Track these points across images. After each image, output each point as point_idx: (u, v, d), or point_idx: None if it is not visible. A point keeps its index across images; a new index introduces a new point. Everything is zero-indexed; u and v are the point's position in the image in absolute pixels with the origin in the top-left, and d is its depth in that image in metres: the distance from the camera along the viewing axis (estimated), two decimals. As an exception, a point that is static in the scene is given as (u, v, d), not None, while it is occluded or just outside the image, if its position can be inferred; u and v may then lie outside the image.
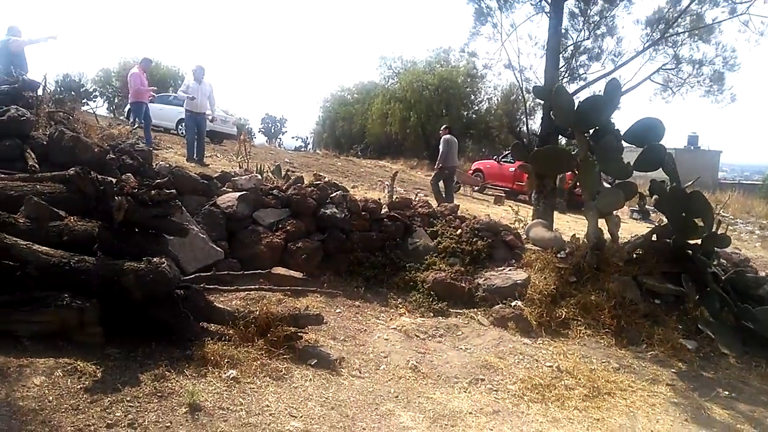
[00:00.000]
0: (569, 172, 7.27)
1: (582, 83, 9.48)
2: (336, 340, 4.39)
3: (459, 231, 6.38)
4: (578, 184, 6.40)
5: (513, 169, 16.77)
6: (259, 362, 3.56)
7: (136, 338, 3.48)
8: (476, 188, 18.33)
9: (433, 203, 8.22)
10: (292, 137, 35.43)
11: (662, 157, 5.68)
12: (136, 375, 3.10)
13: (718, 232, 5.76)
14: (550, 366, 4.36)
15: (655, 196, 5.92)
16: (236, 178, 6.46)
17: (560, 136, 8.21)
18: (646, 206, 13.86)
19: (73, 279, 3.34)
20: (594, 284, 5.60)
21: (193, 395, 2.97)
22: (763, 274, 6.29)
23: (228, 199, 5.89)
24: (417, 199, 8.59)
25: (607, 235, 6.20)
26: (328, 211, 6.05)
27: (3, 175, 4.37)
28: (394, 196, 8.30)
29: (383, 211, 6.50)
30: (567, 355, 4.63)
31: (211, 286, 4.34)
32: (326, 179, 7.67)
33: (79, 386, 2.89)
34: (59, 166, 4.80)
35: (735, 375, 4.70)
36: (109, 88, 32.27)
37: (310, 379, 3.58)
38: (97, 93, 30.17)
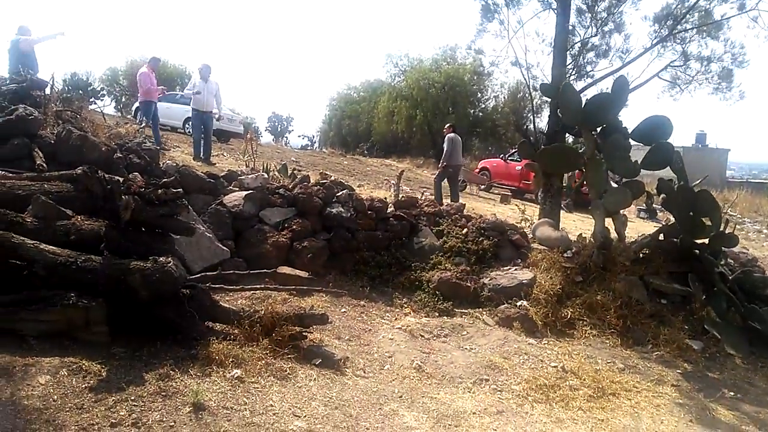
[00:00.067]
0: (577, 171, 7.23)
1: (589, 80, 9.43)
2: (341, 340, 4.40)
3: (465, 230, 6.37)
4: (585, 182, 6.37)
5: (520, 167, 16.65)
6: (263, 362, 3.57)
7: (141, 337, 3.50)
8: (482, 187, 18.27)
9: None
10: (299, 136, 35.41)
11: (670, 155, 5.64)
12: (140, 374, 3.12)
13: (726, 232, 5.72)
14: (554, 366, 4.35)
15: (662, 195, 5.89)
16: (243, 177, 6.48)
17: (567, 134, 8.16)
18: (654, 205, 13.70)
19: (79, 278, 3.36)
20: (600, 284, 5.58)
21: (198, 394, 2.98)
22: (771, 273, 6.24)
23: (234, 198, 5.92)
24: (423, 198, 8.59)
25: (613, 235, 6.16)
26: (334, 210, 6.05)
27: (11, 174, 4.41)
28: (400, 195, 8.30)
29: (389, 210, 6.49)
30: (572, 356, 4.61)
31: (217, 286, 4.38)
32: (332, 178, 7.68)
33: (83, 385, 2.91)
34: (67, 165, 4.84)
35: (741, 376, 4.67)
36: (116, 86, 32.36)
37: (315, 379, 3.59)
38: (104, 92, 30.22)
